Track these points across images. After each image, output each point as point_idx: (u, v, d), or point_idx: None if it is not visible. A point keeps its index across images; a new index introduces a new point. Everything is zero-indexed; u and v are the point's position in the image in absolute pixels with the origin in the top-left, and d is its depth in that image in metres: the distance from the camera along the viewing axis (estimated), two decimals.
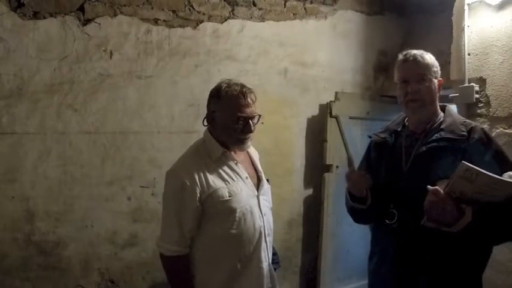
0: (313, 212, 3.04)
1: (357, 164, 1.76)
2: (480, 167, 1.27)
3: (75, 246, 2.32)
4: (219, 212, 1.57)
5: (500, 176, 1.31)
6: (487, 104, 2.36)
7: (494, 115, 2.32)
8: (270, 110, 2.85)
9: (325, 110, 3.00)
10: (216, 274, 1.59)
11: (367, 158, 1.80)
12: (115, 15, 2.39)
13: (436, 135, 1.54)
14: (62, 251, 2.29)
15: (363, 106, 3.11)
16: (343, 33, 3.16)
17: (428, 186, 1.35)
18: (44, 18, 2.23)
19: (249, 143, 1.66)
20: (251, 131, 1.62)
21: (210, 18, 2.67)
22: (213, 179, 1.57)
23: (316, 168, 3.03)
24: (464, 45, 2.46)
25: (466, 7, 2.45)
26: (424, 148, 1.54)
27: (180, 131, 2.55)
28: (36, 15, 2.22)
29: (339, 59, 3.14)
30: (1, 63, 2.14)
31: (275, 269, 1.74)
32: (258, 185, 1.70)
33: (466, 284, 1.51)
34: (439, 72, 1.61)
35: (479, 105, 2.39)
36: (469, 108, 2.43)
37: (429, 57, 1.59)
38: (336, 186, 2.92)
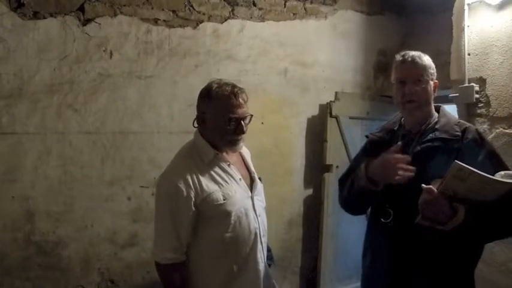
0: (313, 212, 3.04)
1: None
2: (474, 167, 1.28)
3: (75, 246, 2.32)
4: (214, 215, 1.54)
5: (493, 175, 1.32)
6: (487, 104, 2.36)
7: (494, 115, 2.32)
8: (270, 110, 2.85)
9: (325, 110, 3.00)
10: (212, 278, 1.57)
11: (362, 154, 1.80)
12: (115, 15, 2.39)
13: (430, 135, 1.56)
14: (62, 251, 2.29)
15: (363, 106, 3.11)
16: (343, 33, 3.16)
17: (423, 185, 1.37)
18: (44, 18, 2.23)
19: (241, 143, 1.63)
20: (243, 132, 1.58)
21: (210, 18, 2.67)
22: (206, 183, 1.54)
23: (316, 168, 3.03)
24: (464, 45, 2.46)
25: (466, 7, 2.45)
26: (418, 148, 1.56)
27: (180, 131, 2.55)
28: (36, 15, 2.22)
29: (339, 59, 3.14)
30: (1, 63, 2.14)
31: (269, 265, 1.73)
32: (251, 185, 1.67)
33: (459, 281, 1.53)
34: (435, 74, 1.63)
35: (479, 105, 2.39)
36: (469, 108, 2.43)
37: (426, 59, 1.61)
38: (336, 186, 2.90)
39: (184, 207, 1.51)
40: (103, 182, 2.39)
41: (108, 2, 2.37)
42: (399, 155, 1.47)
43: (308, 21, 3.02)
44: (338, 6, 3.13)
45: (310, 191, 3.07)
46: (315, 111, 3.06)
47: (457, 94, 2.47)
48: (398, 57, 1.63)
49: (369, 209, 1.78)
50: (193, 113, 2.63)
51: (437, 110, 1.65)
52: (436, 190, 1.35)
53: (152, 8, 2.49)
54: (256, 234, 1.61)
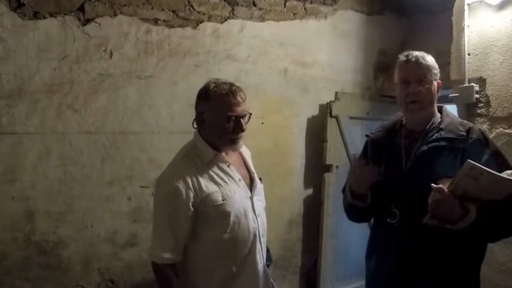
0: (313, 212, 3.04)
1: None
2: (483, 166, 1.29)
3: (75, 246, 2.32)
4: (212, 216, 1.54)
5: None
6: (487, 104, 2.36)
7: (494, 115, 2.32)
8: (270, 110, 2.85)
9: (325, 110, 3.00)
10: (211, 278, 1.57)
11: (364, 155, 1.80)
12: (115, 15, 2.39)
13: (436, 134, 1.56)
14: (62, 251, 2.29)
15: (363, 106, 3.12)
16: (343, 33, 3.16)
17: (433, 185, 1.36)
18: (44, 18, 2.23)
19: (241, 142, 1.62)
20: (243, 130, 1.57)
21: (210, 18, 2.67)
22: (205, 183, 1.53)
23: (316, 168, 3.03)
24: (464, 45, 2.46)
25: (466, 7, 2.45)
26: (425, 147, 1.55)
27: (180, 131, 2.55)
28: (36, 15, 2.21)
29: (339, 59, 3.14)
30: (1, 63, 2.13)
31: (268, 266, 1.73)
32: (251, 186, 1.67)
33: (465, 281, 1.53)
34: (439, 74, 1.63)
35: (479, 105, 2.39)
36: (469, 108, 2.43)
37: (430, 59, 1.60)
38: (336, 186, 2.91)
39: (182, 207, 1.50)
40: (103, 182, 2.39)
41: (108, 2, 2.37)
42: (359, 163, 1.59)
43: (308, 21, 3.02)
44: (338, 6, 3.13)
45: (310, 191, 3.07)
46: (315, 111, 3.06)
47: (457, 94, 2.47)
48: (401, 57, 1.62)
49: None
50: (193, 113, 2.63)
51: (439, 110, 1.66)
52: (446, 189, 1.34)
53: (152, 8, 2.49)
54: (255, 234, 1.60)
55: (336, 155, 2.99)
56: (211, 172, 1.57)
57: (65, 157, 2.29)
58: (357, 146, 3.04)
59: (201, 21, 2.64)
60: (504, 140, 2.25)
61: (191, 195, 1.50)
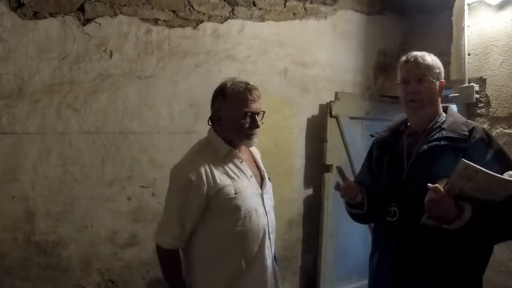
0: (313, 212, 3.04)
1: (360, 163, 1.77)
2: (481, 166, 1.28)
3: (75, 246, 2.32)
4: (224, 209, 1.58)
5: (501, 175, 1.31)
6: (487, 104, 2.36)
7: (494, 115, 2.32)
8: (270, 110, 2.81)
9: (325, 110, 3.00)
10: (220, 271, 1.60)
11: (368, 156, 1.81)
12: (115, 15, 2.39)
13: (437, 134, 1.56)
14: (62, 251, 2.29)
15: (363, 106, 3.12)
16: (343, 33, 3.16)
17: (429, 184, 1.36)
18: (44, 18, 2.23)
19: (256, 139, 1.69)
20: (258, 126, 1.65)
21: (210, 18, 2.66)
22: (219, 176, 1.59)
23: (316, 168, 3.03)
24: (464, 45, 2.46)
25: (466, 7, 2.45)
26: (425, 147, 1.56)
27: (180, 131, 2.55)
28: (36, 15, 2.21)
29: (339, 59, 3.14)
30: (1, 63, 2.14)
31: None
32: (261, 183, 1.73)
33: (466, 283, 1.51)
34: (442, 74, 1.63)
35: (479, 105, 2.39)
36: (469, 108, 2.43)
37: (431, 59, 1.61)
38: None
39: (194, 199, 1.56)
40: (103, 182, 2.39)
41: (108, 2, 2.37)
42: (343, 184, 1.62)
43: (308, 21, 3.02)
44: (338, 6, 3.13)
45: (310, 191, 3.07)
46: (315, 111, 3.06)
47: (457, 94, 2.47)
48: (402, 58, 1.64)
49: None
50: (193, 112, 2.65)
51: (445, 110, 1.65)
52: (442, 189, 1.34)
53: (152, 8, 2.49)
54: (265, 230, 1.65)
55: (336, 155, 2.99)
56: (225, 166, 1.63)
57: (65, 157, 2.29)
58: (357, 146, 3.05)
59: (201, 21, 2.64)
60: (504, 140, 2.25)
61: (204, 188, 1.55)
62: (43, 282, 2.24)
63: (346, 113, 3.03)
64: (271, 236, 1.69)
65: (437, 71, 1.60)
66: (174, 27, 2.55)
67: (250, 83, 1.67)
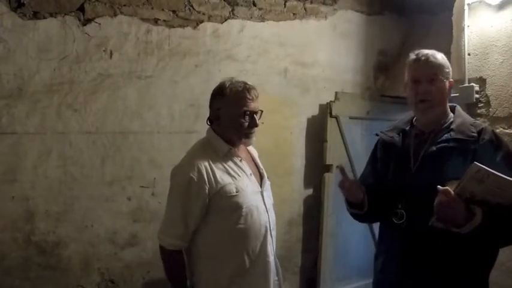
0: (313, 212, 3.04)
1: (362, 163, 1.76)
2: (490, 168, 1.25)
3: (75, 246, 2.32)
4: (226, 207, 1.60)
5: (510, 177, 1.28)
6: (487, 104, 2.36)
7: (494, 115, 2.32)
8: (270, 110, 2.83)
9: (325, 110, 3.00)
10: (223, 269, 1.61)
11: (373, 156, 1.79)
12: (115, 15, 2.39)
13: (446, 135, 1.52)
14: (62, 251, 2.29)
15: (363, 106, 3.11)
16: (343, 33, 3.16)
17: (439, 187, 1.33)
18: (44, 18, 2.23)
19: (254, 137, 1.71)
20: (256, 125, 1.68)
21: (210, 18, 2.66)
22: (220, 175, 1.60)
23: (316, 168, 3.03)
24: (464, 45, 2.46)
25: (466, 7, 2.45)
26: (434, 148, 1.53)
27: (180, 131, 2.55)
28: (36, 15, 2.21)
29: (339, 59, 3.14)
30: (1, 63, 2.13)
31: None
32: (260, 181, 1.75)
33: (472, 286, 1.50)
34: (451, 73, 1.59)
35: (479, 105, 2.39)
36: (469, 108, 2.43)
37: (441, 58, 1.57)
38: (335, 186, 2.90)
39: (196, 198, 1.57)
40: (103, 182, 2.38)
41: (108, 2, 2.37)
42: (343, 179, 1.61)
43: (308, 21, 3.02)
44: (338, 6, 3.13)
45: (310, 191, 3.07)
46: (315, 111, 3.06)
47: (457, 94, 2.47)
48: (412, 55, 1.59)
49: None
50: (193, 112, 2.65)
51: (452, 110, 1.62)
52: (452, 192, 1.31)
53: (152, 8, 2.49)
54: (266, 227, 1.66)
55: (336, 155, 2.99)
56: (225, 165, 1.64)
57: (65, 157, 2.29)
58: (357, 146, 3.05)
59: (201, 21, 2.64)
60: (504, 140, 2.25)
61: (205, 186, 1.57)
62: (43, 282, 2.24)
63: (346, 113, 3.03)
64: (272, 233, 1.71)
65: (448, 70, 1.57)
66: (174, 27, 2.55)
67: (249, 83, 1.69)
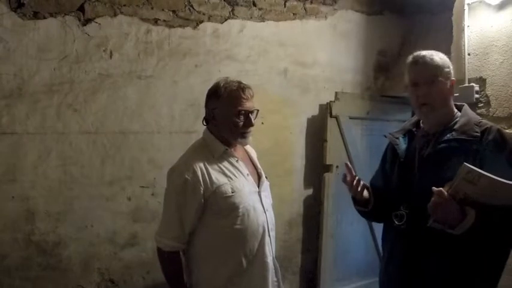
0: (313, 212, 3.04)
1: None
2: (494, 170, 1.24)
3: (75, 246, 2.32)
4: (222, 208, 1.59)
5: None
6: (487, 104, 2.36)
7: (494, 115, 2.32)
8: (270, 110, 2.85)
9: (325, 110, 3.00)
10: (220, 270, 1.61)
11: (383, 157, 1.79)
12: (115, 15, 2.39)
13: (448, 135, 1.51)
14: (62, 251, 2.29)
15: (363, 106, 3.12)
16: (343, 33, 3.16)
17: (433, 188, 1.33)
18: (44, 18, 2.23)
19: (250, 137, 1.70)
20: (252, 125, 1.67)
21: (210, 18, 2.66)
22: (216, 176, 1.60)
23: (316, 168, 3.03)
24: (464, 45, 2.46)
25: (466, 7, 2.45)
26: (434, 149, 1.52)
27: (180, 131, 2.55)
28: (36, 15, 2.21)
29: (339, 59, 3.14)
30: (1, 63, 2.13)
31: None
32: (258, 181, 1.74)
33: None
34: (452, 72, 1.57)
35: (479, 105, 2.39)
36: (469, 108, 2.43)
37: (439, 58, 1.55)
38: (336, 186, 2.92)
39: (191, 199, 1.57)
40: (103, 182, 2.38)
41: (108, 2, 2.36)
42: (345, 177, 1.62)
43: (308, 21, 3.02)
44: (338, 6, 3.13)
45: (310, 191, 3.07)
46: (315, 111, 3.06)
47: (457, 94, 2.46)
48: (410, 58, 1.58)
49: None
50: (193, 112, 2.65)
51: (460, 109, 1.60)
52: (446, 193, 1.31)
53: (152, 8, 2.49)
54: (264, 228, 1.66)
55: (336, 155, 2.99)
56: (221, 166, 1.64)
57: (65, 157, 2.29)
58: (357, 146, 3.05)
59: (201, 21, 2.63)
60: None
61: (200, 188, 1.56)
62: (43, 282, 2.24)
63: (346, 113, 3.03)
64: (271, 233, 1.70)
65: (448, 69, 1.55)
66: (174, 27, 2.55)
67: (244, 82, 1.68)
